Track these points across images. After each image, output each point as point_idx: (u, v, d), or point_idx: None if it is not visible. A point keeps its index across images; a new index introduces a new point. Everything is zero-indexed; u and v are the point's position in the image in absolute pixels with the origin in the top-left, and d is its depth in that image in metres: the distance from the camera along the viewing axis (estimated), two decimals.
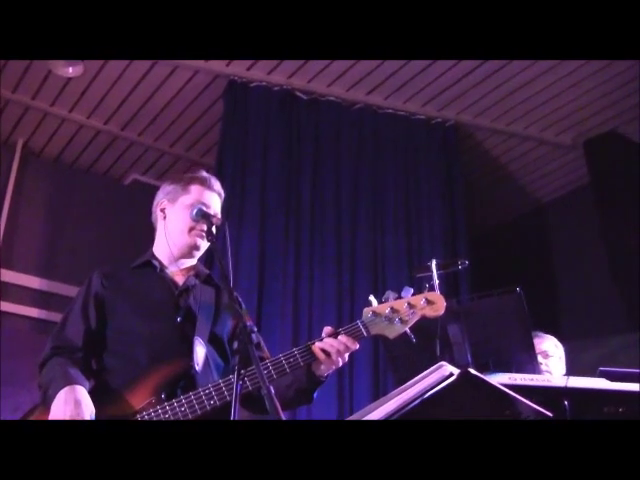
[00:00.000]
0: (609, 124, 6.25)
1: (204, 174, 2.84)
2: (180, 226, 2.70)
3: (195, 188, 2.75)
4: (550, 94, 5.98)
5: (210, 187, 2.77)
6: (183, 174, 2.85)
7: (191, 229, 2.68)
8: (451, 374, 1.97)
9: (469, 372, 1.95)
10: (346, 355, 2.46)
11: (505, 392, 2.02)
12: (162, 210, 2.78)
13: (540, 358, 3.80)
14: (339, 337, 2.44)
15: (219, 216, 2.75)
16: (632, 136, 6.30)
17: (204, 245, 2.68)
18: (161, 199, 2.80)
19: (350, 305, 5.33)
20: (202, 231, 2.64)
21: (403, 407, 1.93)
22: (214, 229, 2.57)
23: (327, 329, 2.49)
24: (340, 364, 2.47)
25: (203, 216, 2.58)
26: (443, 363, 2.02)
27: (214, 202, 2.76)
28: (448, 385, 1.93)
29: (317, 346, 2.43)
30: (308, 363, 2.46)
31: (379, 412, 1.97)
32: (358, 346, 2.46)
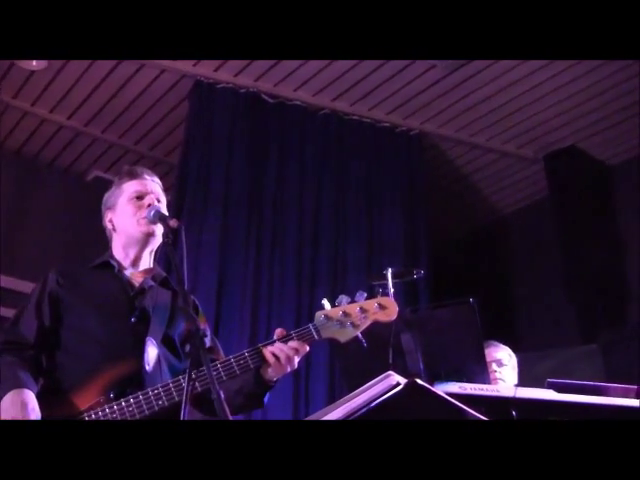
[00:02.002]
0: (570, 139, 6.35)
1: (129, 168, 2.86)
2: (128, 221, 2.70)
3: (127, 184, 2.76)
4: (514, 107, 6.07)
5: (140, 176, 2.78)
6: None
7: (137, 219, 2.68)
8: (398, 383, 1.99)
9: (416, 382, 1.97)
10: (296, 360, 2.46)
11: (451, 402, 2.05)
12: (110, 221, 2.78)
13: (494, 366, 3.85)
14: (289, 343, 2.44)
15: (162, 198, 2.76)
16: (591, 152, 6.41)
17: (158, 231, 2.66)
18: (105, 212, 2.82)
19: (309, 309, 5.34)
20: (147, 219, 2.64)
21: (349, 415, 1.95)
22: (171, 223, 2.53)
23: (278, 331, 2.49)
24: (289, 369, 2.46)
25: (159, 218, 2.57)
26: (390, 372, 2.03)
27: (151, 187, 2.76)
28: (395, 394, 1.94)
29: (268, 350, 2.43)
30: (257, 367, 2.46)
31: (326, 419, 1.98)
32: (308, 349, 2.46)
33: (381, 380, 2.01)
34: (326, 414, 2.02)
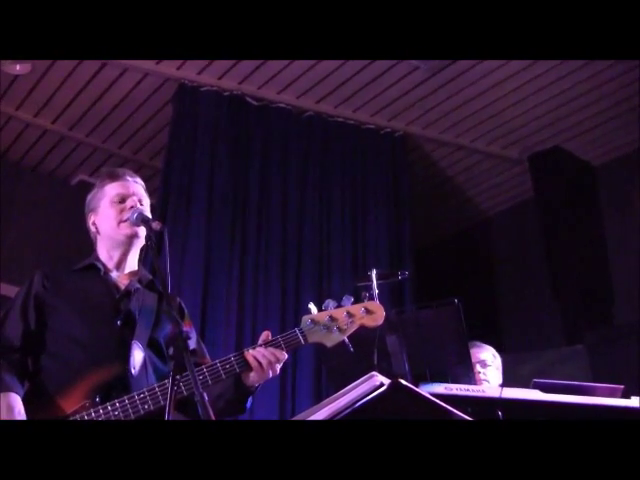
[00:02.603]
0: (554, 140, 6.37)
1: (109, 169, 2.85)
2: (110, 224, 2.68)
3: (109, 187, 2.73)
4: (498, 108, 6.09)
5: (122, 178, 2.75)
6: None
7: (120, 221, 2.66)
8: (382, 384, 1.98)
9: (399, 382, 1.97)
10: (277, 367, 2.45)
11: (435, 403, 2.05)
12: (93, 224, 2.76)
13: (478, 367, 3.86)
14: (268, 348, 2.43)
15: (145, 199, 2.74)
16: (576, 152, 6.44)
17: (142, 233, 2.63)
18: (88, 215, 2.79)
19: (294, 313, 5.34)
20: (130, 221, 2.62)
21: (334, 416, 1.94)
22: (153, 226, 2.52)
23: (264, 334, 2.49)
24: (270, 375, 2.45)
25: (142, 220, 2.55)
26: (374, 373, 2.03)
27: (133, 189, 2.73)
28: (378, 395, 1.94)
29: (250, 354, 2.42)
30: (237, 373, 2.45)
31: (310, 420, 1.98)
32: (287, 356, 2.45)
33: (365, 381, 2.01)
34: (311, 414, 2.02)
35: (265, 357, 2.41)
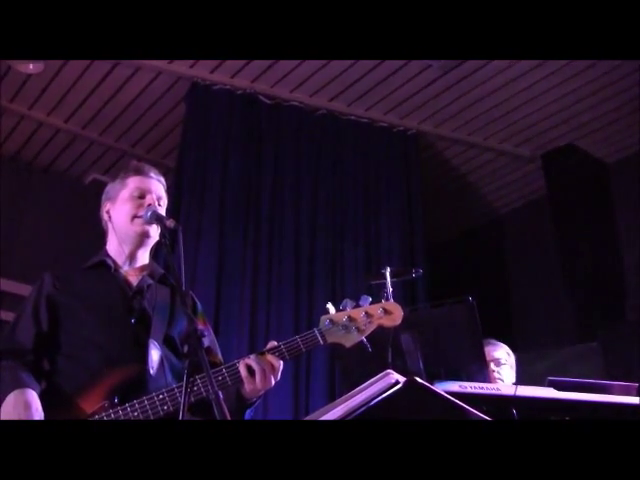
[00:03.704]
0: (567, 137, 6.35)
1: (137, 163, 2.84)
2: (124, 218, 2.67)
3: (131, 179, 2.73)
4: (510, 106, 6.07)
5: (145, 174, 2.75)
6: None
7: (134, 217, 2.65)
8: (397, 382, 1.98)
9: (415, 380, 1.97)
10: (272, 378, 2.40)
11: (451, 400, 2.05)
12: (107, 212, 2.76)
13: (492, 365, 3.84)
14: (265, 355, 2.39)
15: (164, 199, 2.74)
16: (589, 150, 6.41)
17: (154, 232, 2.65)
18: (104, 202, 2.78)
19: (308, 313, 5.34)
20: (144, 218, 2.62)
21: (349, 414, 1.94)
22: (166, 223, 2.50)
23: (271, 344, 2.45)
24: (263, 386, 2.39)
25: (156, 219, 2.55)
26: (389, 371, 2.03)
27: (154, 187, 2.73)
28: (394, 393, 1.94)
29: (242, 363, 2.38)
30: (237, 387, 2.42)
31: (326, 418, 1.98)
32: (281, 364, 2.40)
33: (380, 378, 2.01)
34: (325, 413, 2.01)
35: (259, 365, 2.36)
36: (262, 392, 2.44)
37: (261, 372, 2.36)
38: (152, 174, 2.77)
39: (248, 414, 2.52)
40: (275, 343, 2.45)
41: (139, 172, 2.76)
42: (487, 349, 3.86)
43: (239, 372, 2.38)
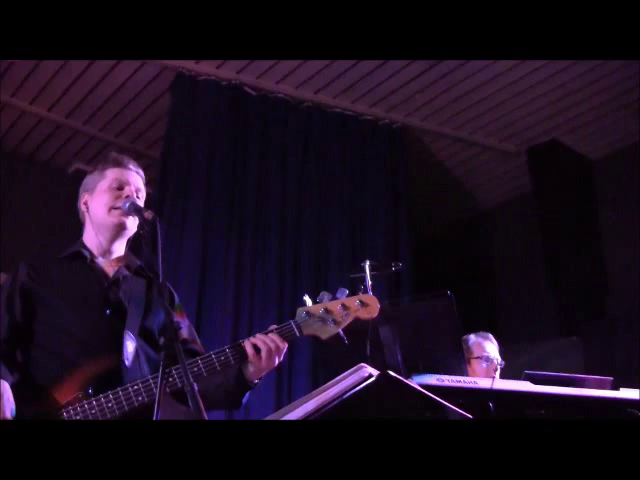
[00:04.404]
0: (552, 133, 6.37)
1: (116, 155, 2.81)
2: (101, 209, 2.66)
3: (110, 171, 2.71)
4: (496, 101, 6.08)
5: (124, 166, 2.74)
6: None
7: (111, 208, 2.64)
8: (370, 375, 1.99)
9: (388, 374, 1.98)
10: (276, 358, 2.43)
11: (424, 394, 2.05)
12: (85, 203, 2.74)
13: (496, 363, 3.84)
14: (269, 335, 2.42)
15: (143, 191, 2.73)
16: (573, 146, 6.44)
17: (131, 224, 2.64)
18: (82, 193, 2.76)
19: (291, 305, 5.33)
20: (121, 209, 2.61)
21: (322, 407, 1.94)
22: (145, 215, 2.49)
23: (271, 328, 2.47)
24: (268, 366, 2.42)
25: (134, 210, 2.54)
26: (363, 364, 2.03)
27: (132, 179, 2.72)
28: (367, 386, 1.94)
29: (248, 342, 2.40)
30: (239, 365, 2.44)
31: (298, 411, 1.99)
32: (286, 346, 2.44)
33: (354, 372, 2.01)
34: (299, 406, 2.02)
35: (265, 344, 2.39)
36: (264, 373, 2.46)
37: (267, 351, 2.38)
38: (131, 166, 2.76)
39: (246, 397, 2.54)
40: (275, 326, 2.46)
41: (118, 164, 2.74)
42: (493, 346, 3.90)
43: (215, 363, 2.38)
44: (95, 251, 2.69)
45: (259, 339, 2.41)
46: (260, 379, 2.50)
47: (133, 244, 2.77)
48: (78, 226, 2.88)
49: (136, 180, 2.73)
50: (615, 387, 3.02)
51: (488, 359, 3.85)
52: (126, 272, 2.66)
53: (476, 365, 3.85)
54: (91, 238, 2.70)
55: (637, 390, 3.04)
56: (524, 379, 2.99)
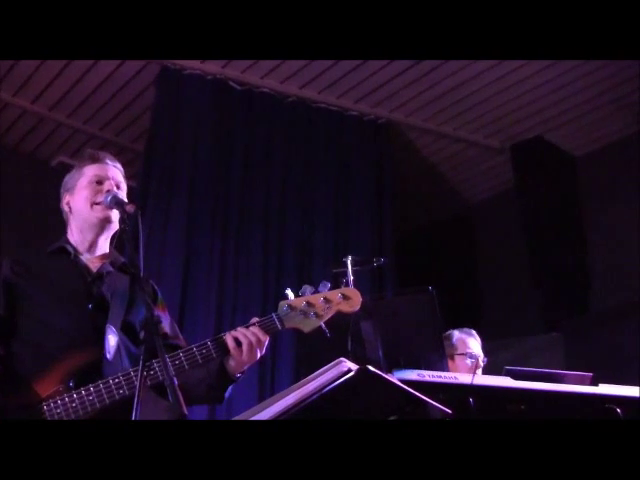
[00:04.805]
0: (536, 129, 6.40)
1: (92, 152, 2.82)
2: (84, 206, 2.66)
3: (88, 168, 2.72)
4: (481, 97, 6.10)
5: (102, 161, 2.74)
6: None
7: (94, 203, 2.64)
8: (349, 370, 1.99)
9: (367, 369, 1.98)
10: (258, 351, 2.43)
11: (403, 389, 2.06)
12: (67, 204, 2.75)
13: (481, 361, 3.86)
14: (251, 328, 2.43)
15: (123, 184, 2.73)
16: (557, 142, 6.47)
17: (115, 217, 2.63)
18: (63, 194, 2.78)
19: (275, 299, 5.30)
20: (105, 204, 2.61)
21: (301, 401, 1.95)
22: (127, 209, 2.49)
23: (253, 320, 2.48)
24: (250, 359, 2.42)
25: (116, 203, 2.54)
26: (342, 359, 2.04)
27: (111, 173, 2.72)
28: (346, 381, 1.95)
29: (229, 335, 2.40)
30: (221, 359, 2.44)
31: (278, 406, 1.99)
32: (267, 339, 2.44)
33: (333, 366, 2.02)
34: (279, 400, 2.03)
35: (246, 337, 2.39)
36: (246, 366, 2.46)
37: (248, 344, 2.38)
38: (108, 160, 2.76)
39: (229, 391, 2.54)
40: (257, 319, 2.47)
41: (95, 160, 2.75)
42: (470, 339, 3.91)
43: (197, 356, 2.38)
44: (80, 248, 2.69)
45: (240, 332, 2.41)
46: (242, 373, 2.51)
47: (117, 243, 2.77)
48: (62, 218, 2.88)
49: (115, 174, 2.74)
50: (594, 383, 3.05)
51: (472, 356, 3.86)
52: (110, 268, 2.67)
53: (460, 362, 3.87)
54: (75, 235, 2.71)
55: (616, 386, 3.07)
56: (504, 375, 3.01)
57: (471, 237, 7.40)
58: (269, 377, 5.19)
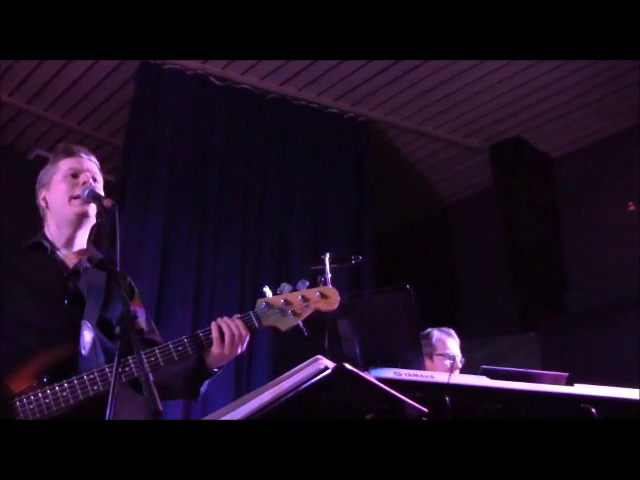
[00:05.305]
0: (515, 130, 6.43)
1: (65, 145, 2.80)
2: (61, 201, 2.64)
3: (63, 162, 2.70)
4: (460, 97, 6.12)
5: (76, 154, 2.72)
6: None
7: (71, 198, 2.62)
8: (326, 367, 1.99)
9: (344, 366, 1.98)
10: (239, 346, 2.43)
11: (380, 387, 2.06)
12: (43, 199, 2.72)
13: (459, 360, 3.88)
14: (235, 320, 2.42)
15: (99, 176, 2.71)
16: (536, 143, 6.51)
17: (92, 211, 2.61)
18: (38, 190, 2.75)
19: (252, 297, 5.30)
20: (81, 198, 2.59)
21: (277, 399, 1.95)
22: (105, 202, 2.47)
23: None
24: (230, 353, 2.42)
25: (93, 197, 2.52)
26: (319, 356, 2.04)
27: (86, 165, 2.70)
28: (322, 378, 1.95)
29: (214, 323, 2.40)
30: (199, 354, 2.44)
31: (253, 403, 1.98)
32: (249, 335, 2.44)
33: (309, 364, 2.02)
34: (255, 397, 2.02)
35: (230, 328, 2.39)
36: (225, 362, 2.46)
37: (230, 336, 2.38)
38: (82, 154, 2.74)
39: (205, 386, 2.54)
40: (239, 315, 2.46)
41: (69, 153, 2.72)
42: (449, 340, 3.92)
43: (173, 353, 2.37)
44: (57, 243, 2.67)
45: (224, 322, 2.41)
46: (220, 368, 2.50)
47: (95, 238, 2.75)
48: (37, 212, 2.85)
49: (90, 166, 2.72)
50: (570, 383, 3.07)
51: (450, 357, 3.88)
52: (87, 264, 2.66)
53: (438, 362, 3.88)
54: (53, 231, 2.69)
55: (592, 386, 3.09)
56: (481, 374, 3.02)
57: (449, 236, 7.43)
58: (245, 375, 5.18)
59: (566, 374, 3.09)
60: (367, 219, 6.13)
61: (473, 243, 7.08)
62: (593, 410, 2.90)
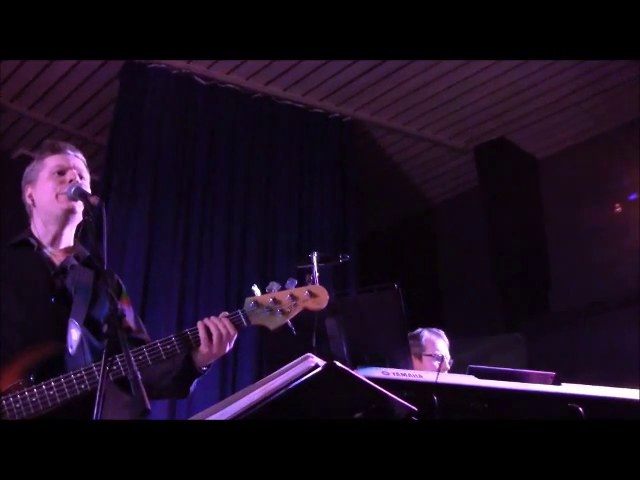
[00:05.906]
0: (500, 131, 6.46)
1: (51, 142, 2.78)
2: (47, 198, 2.62)
3: (49, 159, 2.68)
4: (445, 98, 6.14)
5: (62, 151, 2.70)
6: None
7: (58, 194, 2.60)
8: (317, 366, 1.98)
9: (334, 364, 1.97)
10: (227, 345, 2.42)
11: (370, 385, 2.06)
12: (29, 196, 2.70)
13: (447, 361, 3.88)
14: (222, 319, 2.41)
15: (85, 173, 2.69)
16: (521, 144, 6.54)
17: (79, 208, 2.59)
18: (25, 187, 2.73)
19: (237, 295, 5.32)
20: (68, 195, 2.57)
21: (267, 397, 1.94)
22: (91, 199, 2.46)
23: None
24: (219, 351, 2.41)
25: (80, 195, 2.50)
26: (309, 354, 2.03)
27: (72, 162, 2.68)
28: (313, 377, 1.94)
29: (201, 323, 2.39)
30: (187, 353, 2.42)
31: (243, 401, 1.97)
32: (237, 333, 2.42)
33: (300, 362, 2.01)
34: (244, 395, 2.01)
35: (217, 328, 2.38)
36: (213, 360, 2.45)
37: (218, 335, 2.37)
38: (69, 150, 2.72)
39: (194, 385, 2.52)
40: (227, 313, 2.45)
41: (56, 150, 2.70)
42: (439, 341, 3.92)
43: (161, 352, 2.35)
44: (43, 240, 2.65)
45: (212, 322, 2.40)
46: (208, 366, 2.50)
47: (81, 235, 2.73)
48: (21, 211, 2.82)
49: (77, 163, 2.70)
50: (557, 382, 3.08)
51: (440, 358, 3.88)
52: (74, 262, 2.64)
53: (427, 362, 3.88)
54: (39, 228, 2.67)
55: (578, 385, 3.10)
56: (468, 373, 3.02)
57: (434, 236, 7.45)
58: (230, 375, 5.17)
59: (553, 373, 3.10)
60: (352, 219, 6.14)
61: (458, 243, 7.10)
62: (580, 409, 2.90)
